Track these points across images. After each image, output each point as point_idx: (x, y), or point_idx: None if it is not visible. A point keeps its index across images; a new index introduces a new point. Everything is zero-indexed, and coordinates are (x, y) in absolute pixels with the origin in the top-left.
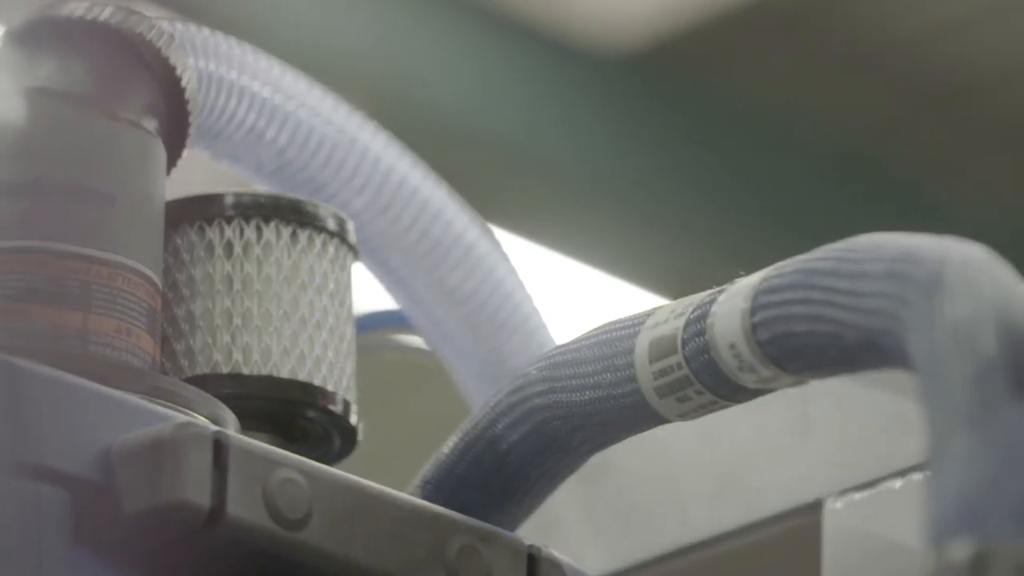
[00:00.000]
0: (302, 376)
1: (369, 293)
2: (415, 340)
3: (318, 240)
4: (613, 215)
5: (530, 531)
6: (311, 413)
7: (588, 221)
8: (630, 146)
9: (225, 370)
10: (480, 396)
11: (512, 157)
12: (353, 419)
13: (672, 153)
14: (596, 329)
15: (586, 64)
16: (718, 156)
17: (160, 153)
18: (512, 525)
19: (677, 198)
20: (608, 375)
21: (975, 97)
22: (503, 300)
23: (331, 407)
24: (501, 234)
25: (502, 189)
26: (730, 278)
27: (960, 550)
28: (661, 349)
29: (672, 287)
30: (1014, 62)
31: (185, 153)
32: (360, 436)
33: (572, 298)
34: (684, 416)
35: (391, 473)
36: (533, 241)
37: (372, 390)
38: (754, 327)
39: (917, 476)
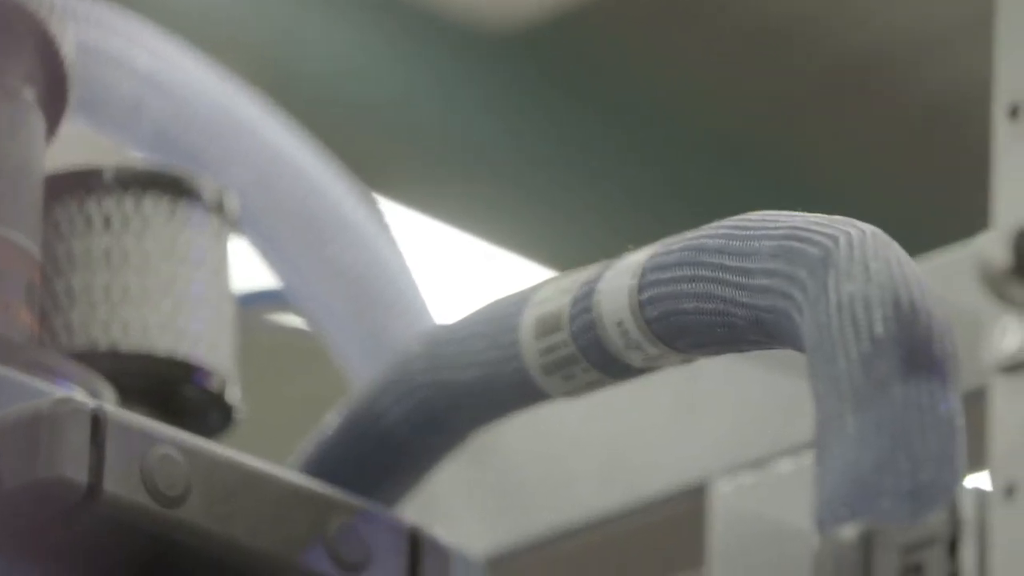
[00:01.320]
0: (180, 351)
1: (250, 271)
2: (295, 320)
3: (197, 213)
4: (502, 188)
5: (413, 511)
6: (189, 389)
7: (477, 193)
8: (520, 120)
9: (104, 345)
10: (362, 374)
11: (401, 129)
12: (231, 396)
13: (562, 128)
14: (481, 307)
15: (476, 37)
16: (609, 133)
17: (38, 123)
18: (394, 503)
19: (567, 172)
20: (492, 352)
21: (870, 80)
22: (385, 277)
23: (209, 383)
24: (387, 205)
25: (389, 161)
26: (619, 252)
27: (848, 531)
28: (547, 326)
29: (560, 260)
30: (907, 45)
31: (66, 124)
32: (239, 413)
33: (460, 270)
34: (570, 394)
35: (272, 451)
36: (423, 213)
37: (252, 368)
38: (642, 305)
39: (806, 456)
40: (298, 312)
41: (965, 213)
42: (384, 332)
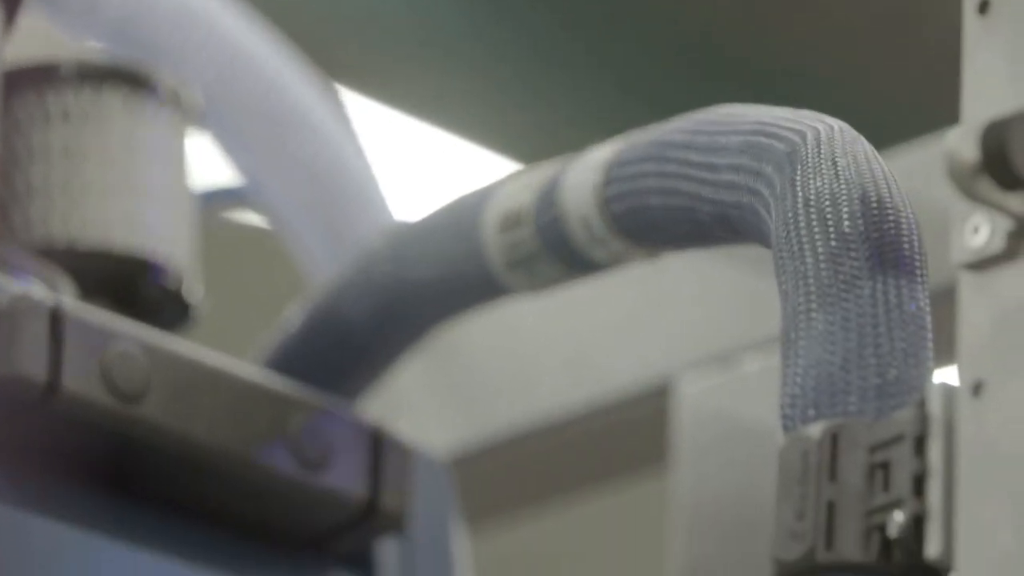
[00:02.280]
0: (139, 247)
1: (210, 168)
2: (256, 217)
3: (156, 107)
4: (468, 79)
5: (376, 410)
6: (148, 285)
7: (442, 84)
8: (485, 10)
9: (63, 239)
10: (323, 272)
11: (363, 18)
12: (190, 292)
13: (529, 17)
14: (444, 203)
15: None
16: (577, 23)
17: None
18: (355, 398)
19: (533, 64)
20: (455, 248)
21: None
22: (346, 173)
23: (168, 279)
24: (350, 96)
25: (351, 51)
26: (584, 146)
27: (814, 429)
28: (511, 222)
29: (526, 153)
30: None
31: (24, 16)
32: (198, 310)
33: (424, 162)
34: (533, 289)
35: (232, 349)
36: (386, 105)
37: (212, 266)
38: (607, 200)
39: (771, 354)
40: (259, 209)
41: (934, 108)
42: (345, 229)
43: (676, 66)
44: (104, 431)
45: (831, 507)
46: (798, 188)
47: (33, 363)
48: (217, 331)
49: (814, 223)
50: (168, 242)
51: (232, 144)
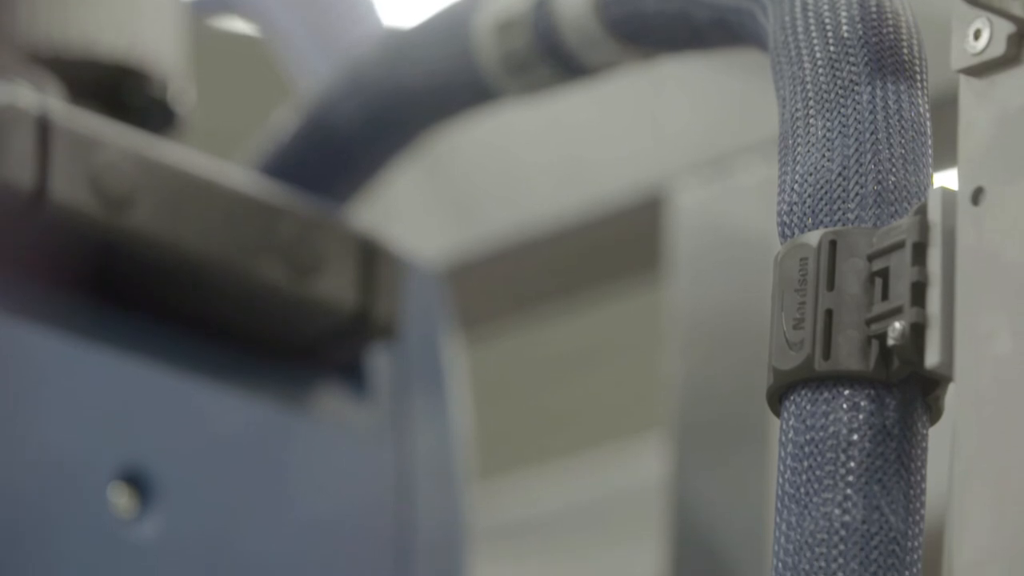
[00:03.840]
0: (127, 52)
1: None
2: (245, 25)
3: None
4: None
5: (368, 220)
6: (135, 91)
7: None
8: None
9: (49, 45)
10: (312, 79)
11: None
12: (178, 98)
13: None
14: (437, 10)
15: None
16: None
17: None
18: (345, 206)
19: None
20: (448, 54)
21: None
22: None
23: (156, 85)
24: None
25: None
26: None
27: (812, 236)
28: (505, 28)
29: None
30: None
31: None
32: (187, 116)
33: None
34: (526, 95)
35: (223, 155)
36: None
37: (203, 73)
38: (603, 4)
39: (769, 162)
40: (249, 17)
41: None
42: (336, 36)
43: None
44: (93, 239)
45: (829, 316)
46: None
47: (20, 170)
48: (207, 139)
49: (812, 28)
50: (157, 49)
51: None
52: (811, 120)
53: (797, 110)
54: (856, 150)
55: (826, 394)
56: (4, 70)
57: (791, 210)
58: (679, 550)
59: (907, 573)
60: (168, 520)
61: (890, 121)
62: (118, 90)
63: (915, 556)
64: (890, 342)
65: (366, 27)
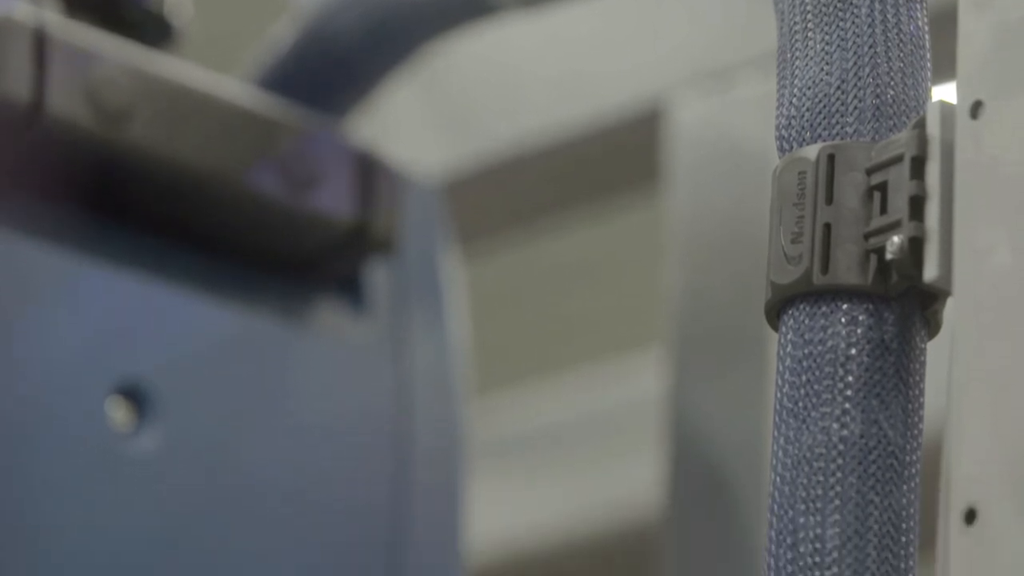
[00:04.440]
0: None
1: None
2: None
3: None
4: None
5: (367, 134)
6: (134, 3)
7: None
8: None
9: None
10: None
11: None
12: (175, 10)
13: None
14: None
15: None
16: None
17: None
18: (343, 119)
19: None
20: None
21: None
22: None
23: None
24: None
25: None
26: None
27: (811, 150)
28: None
29: None
30: None
31: None
32: (184, 29)
33: None
34: (525, 7)
35: (221, 68)
36: None
37: None
38: None
39: (766, 76)
40: None
41: None
42: None
43: None
44: (89, 153)
45: (827, 230)
46: None
47: (17, 84)
48: (204, 52)
49: None
50: None
51: None
52: (809, 34)
53: (796, 23)
54: (855, 63)
55: (824, 308)
56: None
57: (789, 124)
58: (678, 464)
59: (905, 487)
60: (166, 433)
61: (889, 35)
62: (115, 3)
63: (913, 470)
64: (888, 256)
65: None
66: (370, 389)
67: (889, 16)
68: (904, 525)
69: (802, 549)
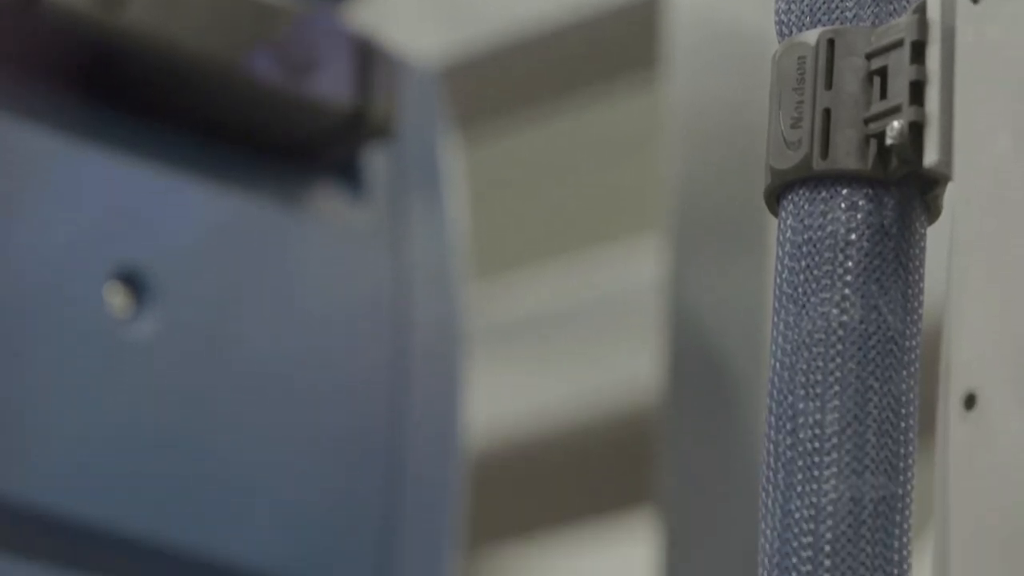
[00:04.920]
0: None
1: None
2: None
3: None
4: None
5: (365, 20)
6: None
7: None
8: None
9: None
10: None
11: None
12: None
13: None
14: None
15: None
16: None
17: None
18: (341, 3)
19: None
20: None
21: None
22: None
23: None
24: None
25: None
26: None
27: (810, 35)
28: None
29: None
30: None
31: None
32: None
33: None
34: None
35: None
36: None
37: None
38: None
39: None
40: None
41: None
42: None
43: None
44: (87, 38)
45: (827, 115)
46: None
47: None
48: None
49: None
50: None
51: None
52: None
53: None
54: None
55: (824, 193)
56: None
57: (789, 8)
58: (676, 350)
59: (905, 372)
60: (164, 319)
61: None
62: None
63: (913, 356)
64: (888, 141)
65: None
66: (368, 274)
67: None
68: (904, 411)
69: (801, 435)
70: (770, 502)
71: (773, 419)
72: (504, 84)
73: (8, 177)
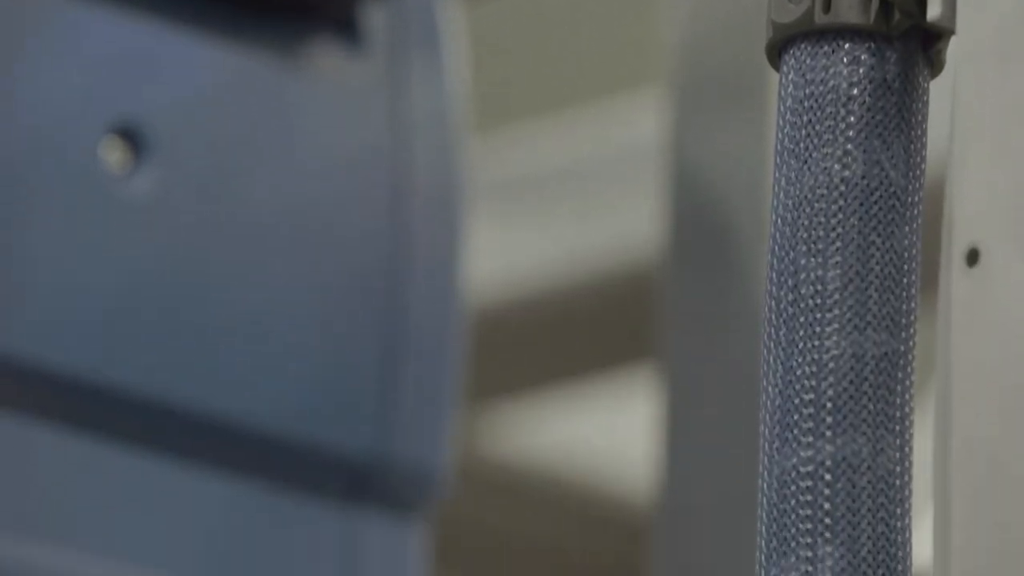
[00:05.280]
0: None
1: None
2: None
3: None
4: None
5: None
6: None
7: None
8: None
9: None
10: None
11: None
12: None
13: None
14: None
15: None
16: None
17: None
18: None
19: None
20: None
21: None
22: None
23: None
24: None
25: None
26: None
27: None
28: None
29: None
30: None
31: None
32: None
33: None
34: None
35: None
36: None
37: None
38: None
39: None
40: None
41: None
42: None
43: None
44: None
45: None
46: None
47: None
48: None
49: None
50: None
51: None
52: None
53: None
54: None
55: (826, 47)
56: None
57: None
58: (678, 205)
59: (907, 228)
60: (161, 175)
61: None
62: None
63: (915, 211)
64: None
65: None
66: (366, 128)
67: None
68: (906, 266)
69: (803, 291)
70: (772, 358)
71: (775, 275)
72: None
73: (7, 29)
